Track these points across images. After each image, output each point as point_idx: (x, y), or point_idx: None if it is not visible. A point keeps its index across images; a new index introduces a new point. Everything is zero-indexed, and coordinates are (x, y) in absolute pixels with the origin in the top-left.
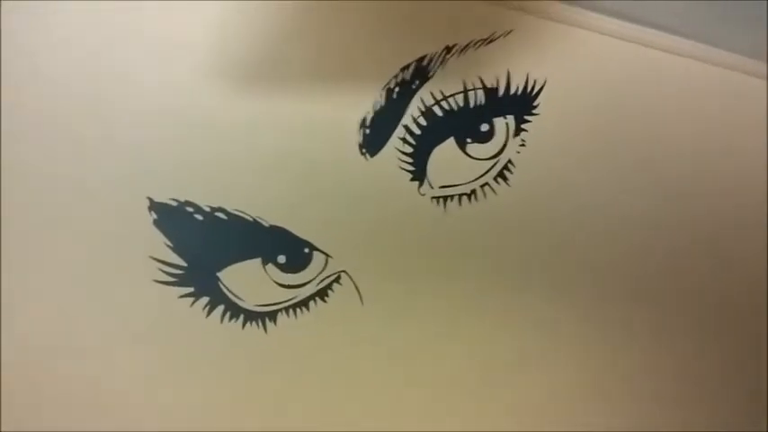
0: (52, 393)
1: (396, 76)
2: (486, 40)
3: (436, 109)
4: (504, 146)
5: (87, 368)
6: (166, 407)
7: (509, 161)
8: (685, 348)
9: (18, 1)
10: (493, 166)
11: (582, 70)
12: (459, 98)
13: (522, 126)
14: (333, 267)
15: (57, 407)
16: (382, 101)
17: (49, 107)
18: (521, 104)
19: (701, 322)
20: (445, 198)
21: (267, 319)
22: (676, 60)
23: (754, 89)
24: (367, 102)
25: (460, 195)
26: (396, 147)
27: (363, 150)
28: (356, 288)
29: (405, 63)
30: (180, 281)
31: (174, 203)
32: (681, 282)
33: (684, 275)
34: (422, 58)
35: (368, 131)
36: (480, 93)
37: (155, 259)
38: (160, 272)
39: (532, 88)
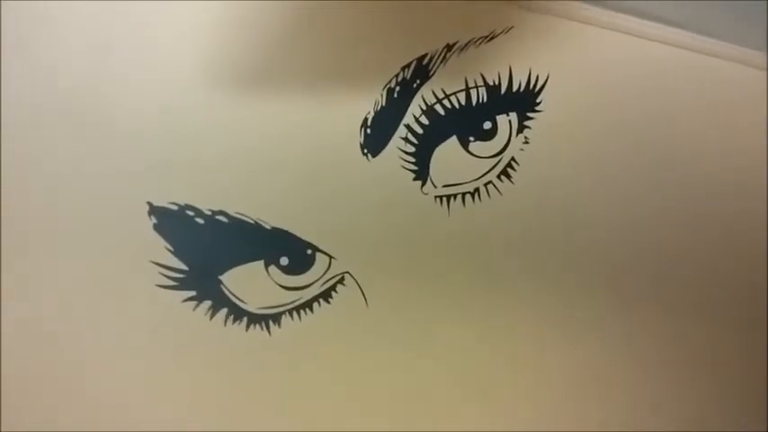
0: (53, 395)
1: (396, 76)
2: (486, 37)
3: (438, 108)
4: (507, 143)
5: (89, 373)
6: (171, 411)
7: (512, 159)
8: (684, 348)
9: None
10: (496, 165)
11: (583, 65)
12: (461, 96)
13: (525, 123)
14: (336, 269)
15: (57, 408)
16: (383, 101)
17: (45, 108)
18: (523, 101)
19: (700, 322)
20: (449, 197)
21: (271, 322)
22: (678, 53)
23: (755, 80)
24: (368, 102)
25: (464, 194)
26: (398, 146)
27: (365, 151)
28: (360, 289)
29: (405, 62)
30: (182, 285)
31: (174, 207)
32: (683, 281)
33: (688, 273)
34: (422, 57)
35: (369, 131)
36: (482, 90)
37: (156, 264)
38: (161, 276)
39: (535, 85)
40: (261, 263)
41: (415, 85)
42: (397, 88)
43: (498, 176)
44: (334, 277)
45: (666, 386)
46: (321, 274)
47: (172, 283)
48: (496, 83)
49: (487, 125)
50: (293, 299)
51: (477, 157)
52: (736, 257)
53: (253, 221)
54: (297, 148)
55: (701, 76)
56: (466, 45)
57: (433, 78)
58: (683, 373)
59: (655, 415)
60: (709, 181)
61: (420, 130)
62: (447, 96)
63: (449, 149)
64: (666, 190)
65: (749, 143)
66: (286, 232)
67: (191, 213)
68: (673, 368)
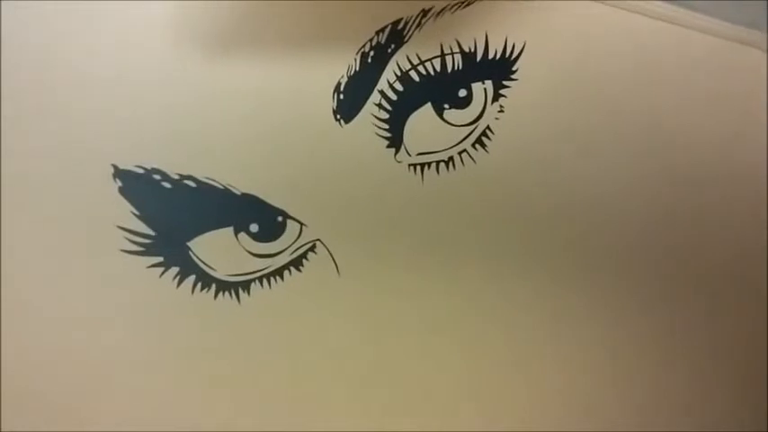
0: (22, 366)
1: (371, 40)
2: (463, 2)
3: (413, 74)
4: (483, 112)
5: (52, 342)
6: (139, 381)
7: (487, 127)
8: (683, 348)
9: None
10: (471, 133)
11: (564, 36)
12: (437, 63)
13: (501, 92)
14: (307, 236)
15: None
16: (357, 65)
17: (10, 69)
18: (499, 69)
19: (697, 316)
20: (422, 165)
21: (240, 289)
22: (668, 28)
23: (754, 61)
24: (341, 66)
25: (438, 162)
26: (371, 113)
27: (338, 116)
28: (332, 257)
29: (380, 26)
30: (148, 250)
31: (140, 171)
32: (676, 264)
33: (682, 261)
34: (397, 22)
35: (342, 97)
36: (458, 57)
37: (121, 228)
38: (127, 241)
39: (511, 53)
40: (230, 229)
41: (389, 50)
42: (372, 53)
43: (473, 145)
44: (305, 245)
45: (663, 383)
46: (292, 241)
47: (137, 248)
48: (472, 50)
49: (462, 93)
50: (263, 266)
51: (451, 125)
52: (734, 245)
53: (222, 187)
54: (268, 112)
55: (697, 54)
56: (441, 11)
57: (408, 44)
58: (680, 369)
59: (652, 413)
60: (705, 166)
61: (394, 97)
62: (422, 62)
63: (423, 117)
64: (657, 173)
65: (748, 126)
66: (256, 198)
67: (157, 177)
68: (669, 364)
